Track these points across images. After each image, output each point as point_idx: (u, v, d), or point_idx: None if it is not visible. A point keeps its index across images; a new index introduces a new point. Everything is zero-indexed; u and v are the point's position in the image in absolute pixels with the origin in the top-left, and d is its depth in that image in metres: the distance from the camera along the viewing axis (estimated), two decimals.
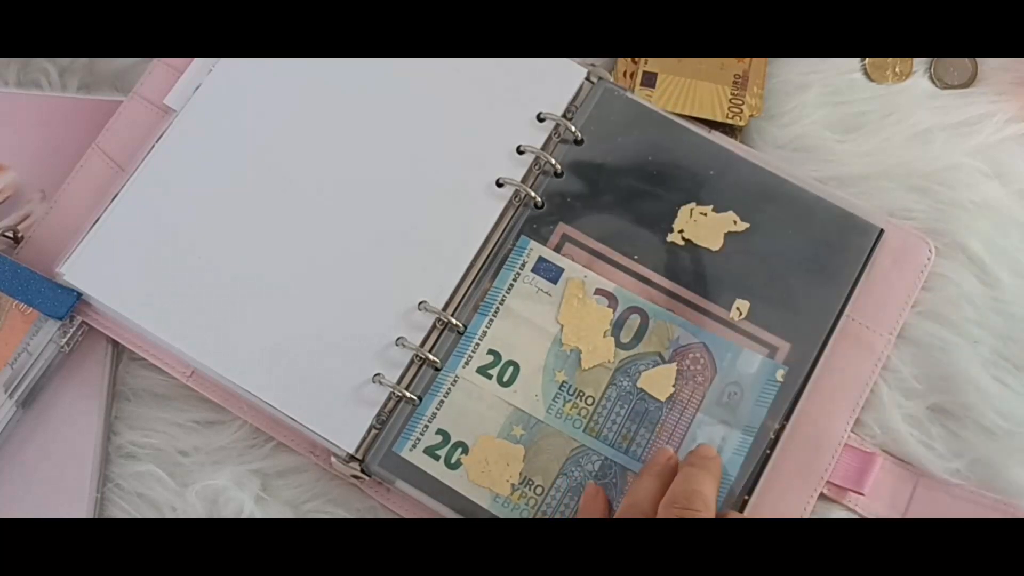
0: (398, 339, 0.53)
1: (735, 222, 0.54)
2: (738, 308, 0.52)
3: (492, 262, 0.54)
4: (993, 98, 0.57)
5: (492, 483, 0.51)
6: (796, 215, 0.54)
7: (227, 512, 0.54)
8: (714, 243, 0.53)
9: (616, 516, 0.47)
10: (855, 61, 0.59)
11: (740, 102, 0.57)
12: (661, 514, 0.44)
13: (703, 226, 0.54)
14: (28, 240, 0.57)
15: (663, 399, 0.51)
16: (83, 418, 0.55)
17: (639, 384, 0.51)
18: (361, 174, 0.55)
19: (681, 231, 0.54)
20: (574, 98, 0.56)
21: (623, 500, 0.47)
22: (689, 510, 0.43)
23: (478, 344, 0.52)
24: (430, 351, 0.53)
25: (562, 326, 0.52)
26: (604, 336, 0.52)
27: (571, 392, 0.52)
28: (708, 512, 0.44)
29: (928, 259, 0.54)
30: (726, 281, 0.53)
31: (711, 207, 0.54)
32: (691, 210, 0.54)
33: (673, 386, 0.51)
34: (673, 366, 0.51)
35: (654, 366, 0.52)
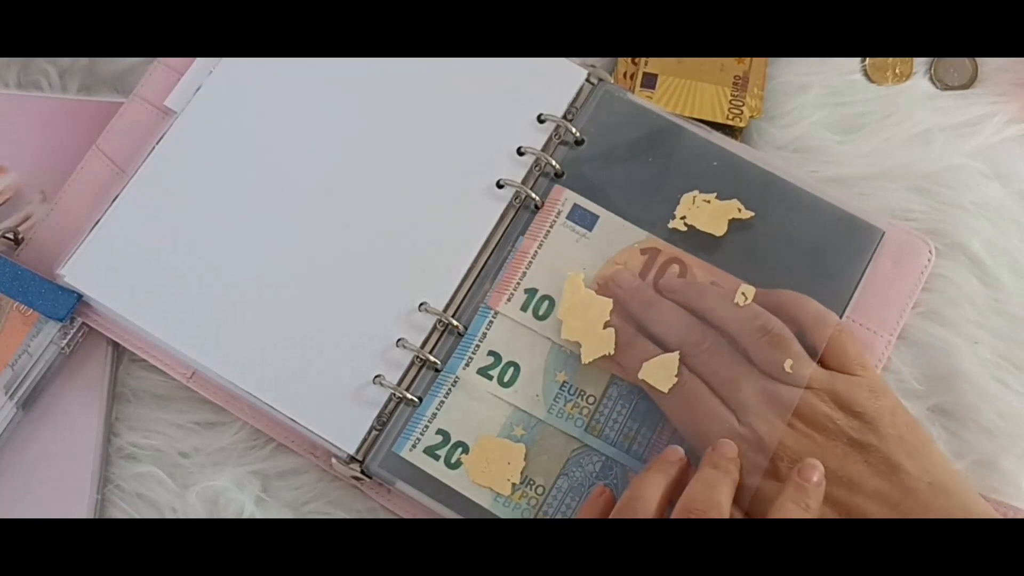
0: (399, 340, 0.53)
1: (740, 209, 0.53)
2: (743, 293, 0.51)
3: (493, 263, 0.54)
4: (993, 99, 0.57)
5: (493, 482, 0.50)
6: (797, 216, 0.53)
7: (227, 513, 0.54)
8: (718, 229, 0.53)
9: (616, 508, 0.46)
10: (855, 62, 0.59)
11: (740, 103, 0.57)
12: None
13: (706, 212, 0.53)
14: (28, 242, 0.57)
15: (666, 390, 0.50)
16: (83, 419, 0.55)
17: (640, 375, 0.50)
18: (361, 175, 0.55)
19: (683, 217, 0.53)
20: (574, 99, 0.56)
21: (625, 493, 0.47)
22: None
23: (478, 345, 0.52)
24: (431, 352, 0.53)
25: (562, 321, 0.52)
26: (604, 327, 0.52)
27: (572, 392, 0.51)
28: None
29: (928, 260, 0.54)
30: (730, 267, 0.52)
31: (714, 195, 0.54)
32: (694, 197, 0.54)
33: (676, 376, 0.50)
34: (676, 354, 0.50)
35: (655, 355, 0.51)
